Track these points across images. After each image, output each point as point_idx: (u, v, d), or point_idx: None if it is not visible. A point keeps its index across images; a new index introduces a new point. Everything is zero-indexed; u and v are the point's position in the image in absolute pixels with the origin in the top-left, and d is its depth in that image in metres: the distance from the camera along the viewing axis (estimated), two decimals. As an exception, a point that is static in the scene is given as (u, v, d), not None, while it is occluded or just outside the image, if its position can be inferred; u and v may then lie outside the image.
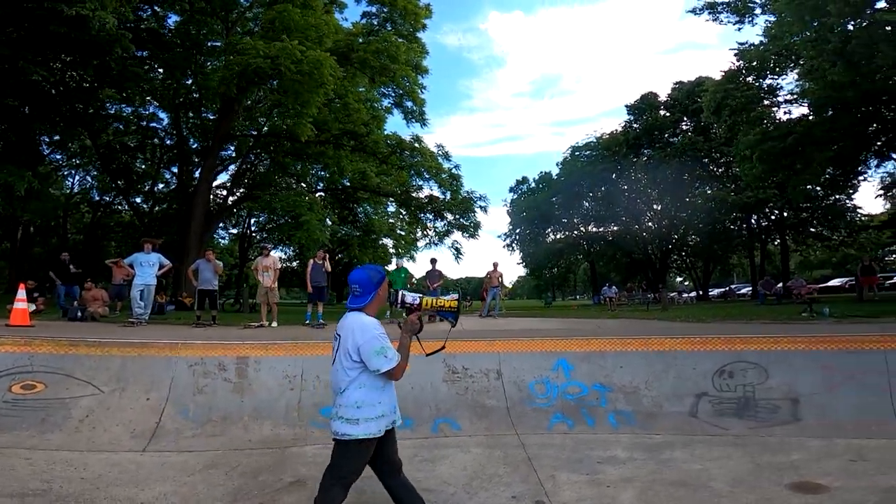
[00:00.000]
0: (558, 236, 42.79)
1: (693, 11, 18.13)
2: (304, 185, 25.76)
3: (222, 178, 26.34)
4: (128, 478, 3.85)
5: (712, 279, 41.27)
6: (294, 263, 32.09)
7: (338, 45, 17.58)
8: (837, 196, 25.48)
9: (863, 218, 26.73)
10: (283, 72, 14.12)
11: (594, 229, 40.56)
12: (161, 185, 26.70)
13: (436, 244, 22.56)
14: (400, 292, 2.88)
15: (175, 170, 24.21)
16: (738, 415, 5.07)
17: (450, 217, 20.78)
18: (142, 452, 4.52)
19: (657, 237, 36.66)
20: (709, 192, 31.19)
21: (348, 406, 2.68)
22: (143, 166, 25.91)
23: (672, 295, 27.97)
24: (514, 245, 43.90)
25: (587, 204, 39.83)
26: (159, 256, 9.11)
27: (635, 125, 35.74)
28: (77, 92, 17.42)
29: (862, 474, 3.61)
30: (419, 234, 24.42)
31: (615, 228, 39.40)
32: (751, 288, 29.56)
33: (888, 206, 26.82)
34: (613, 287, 21.71)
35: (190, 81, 20.11)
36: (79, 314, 9.62)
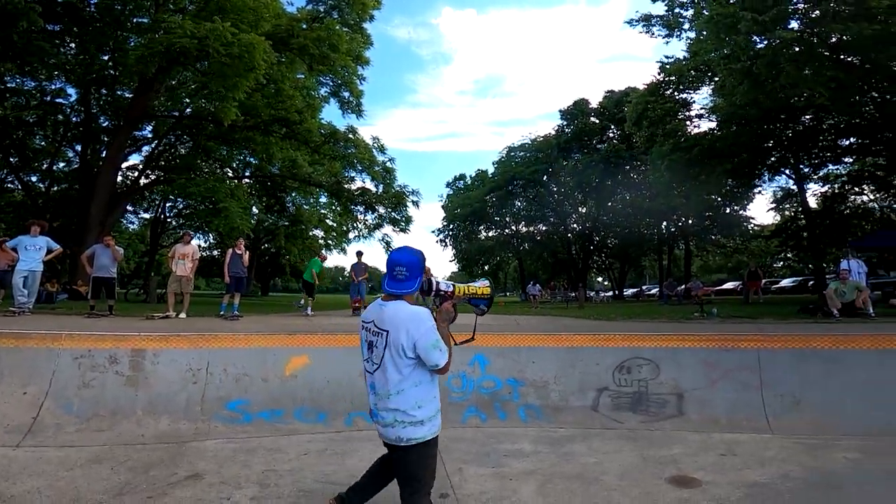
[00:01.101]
0: (490, 234, 43.85)
1: (630, 23, 18.93)
2: (228, 171, 24.24)
3: (136, 159, 24.20)
4: (4, 472, 3.54)
5: (628, 280, 44.40)
6: (215, 252, 30.17)
7: (277, 30, 16.71)
8: (735, 206, 28.42)
9: (755, 228, 30.08)
10: (210, 53, 13.18)
11: (524, 228, 42.03)
12: (62, 164, 23.88)
13: (365, 237, 22.24)
14: (433, 279, 2.62)
15: (79, 148, 21.74)
16: (632, 409, 5.44)
17: (381, 210, 20.57)
18: (15, 448, 4.15)
19: (581, 238, 38.74)
20: (627, 197, 33.38)
21: (409, 408, 2.40)
22: (43, 143, 23.02)
23: (591, 294, 29.78)
24: (446, 241, 44.38)
25: (519, 203, 41.15)
26: (47, 240, 8.14)
27: (567, 130, 37.30)
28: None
29: (730, 469, 3.93)
30: (350, 226, 23.95)
31: (543, 228, 41.10)
32: (658, 289, 32.19)
33: (778, 217, 30.25)
34: (537, 285, 22.72)
35: (107, 57, 18.18)
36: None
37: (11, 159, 21.13)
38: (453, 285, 2.62)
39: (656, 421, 5.29)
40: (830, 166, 24.00)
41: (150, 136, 21.97)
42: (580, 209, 38.58)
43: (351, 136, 21.22)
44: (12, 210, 25.60)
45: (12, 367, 4.92)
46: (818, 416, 5.04)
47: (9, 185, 24.53)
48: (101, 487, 3.37)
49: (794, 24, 12.61)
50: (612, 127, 34.47)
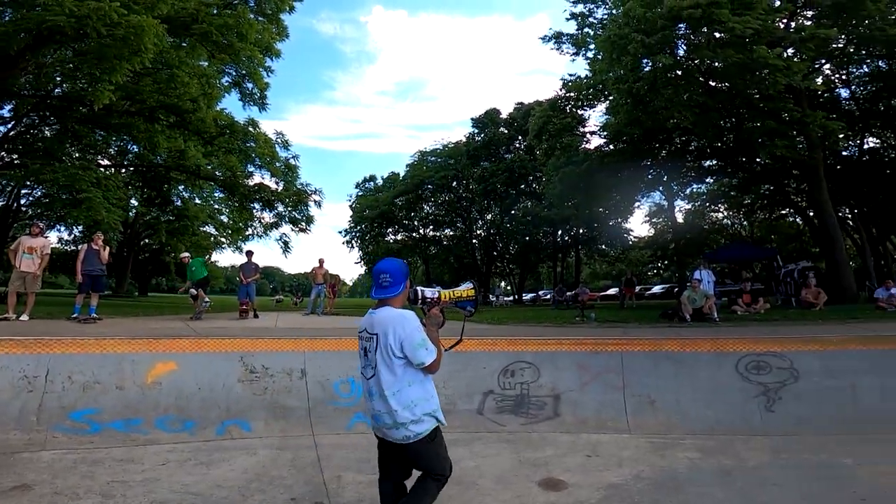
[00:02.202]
0: (399, 237, 43.80)
1: (543, 39, 19.98)
2: (101, 159, 21.29)
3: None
4: None
5: (529, 285, 47.06)
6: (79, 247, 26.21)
7: (181, 13, 15.01)
8: (618, 219, 31.54)
9: (634, 239, 33.67)
10: (89, 34, 11.49)
11: (432, 233, 42.63)
12: None
13: (261, 236, 20.91)
14: (418, 289, 2.76)
15: None
16: (514, 412, 5.63)
17: (280, 208, 19.47)
18: None
19: (485, 244, 40.27)
20: (529, 205, 35.40)
21: (405, 408, 2.52)
22: None
23: (492, 298, 31.07)
24: (353, 242, 43.45)
25: (428, 208, 41.66)
26: None
27: (478, 138, 38.55)
28: None
29: (593, 470, 4.16)
30: (245, 223, 22.36)
31: (450, 233, 42.04)
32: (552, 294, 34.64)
33: (652, 231, 34.11)
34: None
35: None
36: None
37: None
38: (438, 292, 2.81)
39: (535, 423, 5.52)
40: (695, 185, 27.74)
41: (8, 115, 18.60)
42: (486, 216, 40.08)
43: (251, 129, 19.84)
44: None
45: None
46: (669, 416, 5.44)
47: None
48: None
49: (681, 50, 13.90)
50: (520, 138, 36.35)
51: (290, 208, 19.43)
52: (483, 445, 4.86)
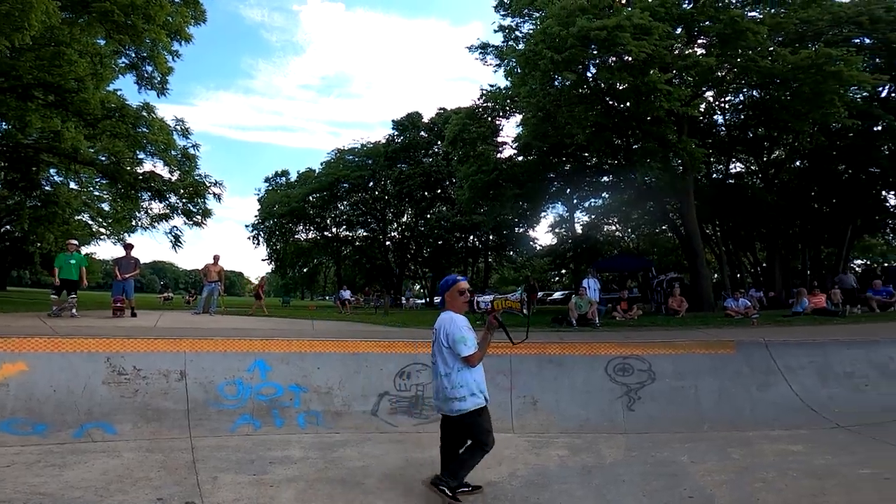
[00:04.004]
0: (309, 235, 42.28)
1: (470, 48, 20.30)
2: None
3: None
4: None
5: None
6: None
7: None
8: (526, 227, 33.36)
9: (540, 247, 35.85)
10: None
11: (345, 232, 41.73)
12: None
13: (146, 228, 18.94)
14: (477, 298, 3.56)
15: None
16: (408, 412, 5.73)
17: (174, 199, 17.78)
18: None
19: (399, 246, 40.29)
20: (444, 210, 36.11)
21: (453, 388, 3.42)
22: None
23: (402, 301, 31.19)
24: (259, 238, 41.10)
25: (342, 207, 40.74)
26: None
27: (397, 140, 38.47)
28: None
29: (475, 468, 4.12)
30: (130, 213, 20.08)
31: (364, 234, 41.47)
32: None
33: (555, 240, 36.51)
34: (348, 290, 22.78)
35: None
36: None
37: None
38: (491, 302, 3.51)
39: (428, 423, 5.59)
40: (592, 199, 30.26)
41: None
42: (401, 218, 40.13)
43: (145, 114, 17.94)
44: None
45: None
46: (549, 416, 5.75)
47: None
48: None
49: (590, 71, 14.71)
50: (439, 143, 36.98)
51: (184, 200, 17.82)
52: (373, 446, 4.90)
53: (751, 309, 11.87)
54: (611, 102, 15.33)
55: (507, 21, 18.57)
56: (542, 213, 31.08)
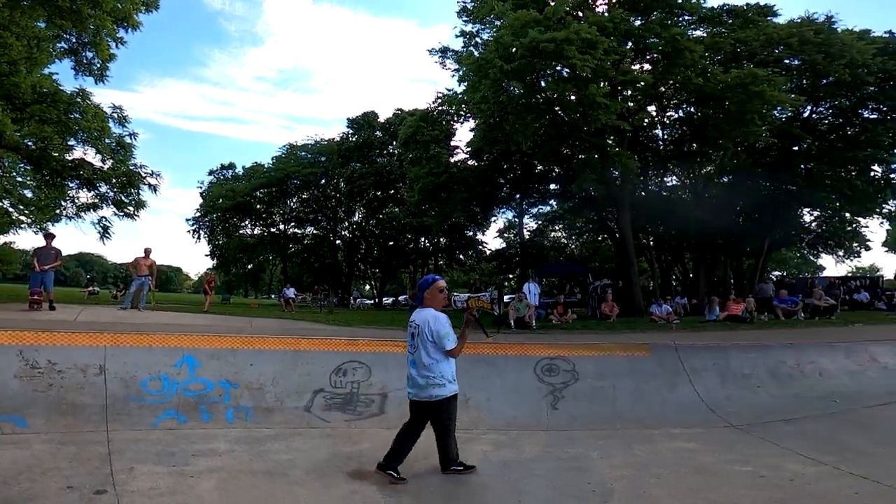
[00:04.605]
0: (255, 231, 40.86)
1: (430, 51, 20.32)
2: None
3: None
4: None
5: (392, 290, 47.63)
6: None
7: None
8: (476, 229, 33.95)
9: (489, 251, 36.56)
10: None
11: (294, 230, 40.68)
12: None
13: (71, 217, 17.68)
14: (454, 297, 3.76)
15: None
16: (342, 409, 5.81)
17: (104, 189, 16.71)
18: None
19: (349, 246, 39.78)
20: (397, 210, 36.05)
21: (436, 376, 3.97)
22: None
23: (351, 300, 30.88)
24: (200, 233, 39.25)
25: (291, 204, 39.70)
26: None
27: (352, 139, 37.97)
28: None
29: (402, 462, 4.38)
30: (53, 201, 18.63)
31: (313, 232, 40.58)
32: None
33: (503, 244, 37.33)
34: (292, 289, 22.32)
35: None
36: None
37: None
38: (466, 301, 4.60)
39: (360, 419, 5.74)
40: (540, 206, 31.35)
41: None
42: (352, 217, 39.66)
43: (79, 100, 16.74)
44: None
45: None
46: (479, 413, 5.93)
47: None
48: None
49: (543, 82, 15.00)
50: (394, 143, 36.87)
51: (115, 190, 16.78)
52: (303, 440, 4.97)
53: (672, 315, 12.83)
54: (559, 112, 15.94)
55: (469, 27, 18.88)
56: (493, 218, 31.89)
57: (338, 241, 40.20)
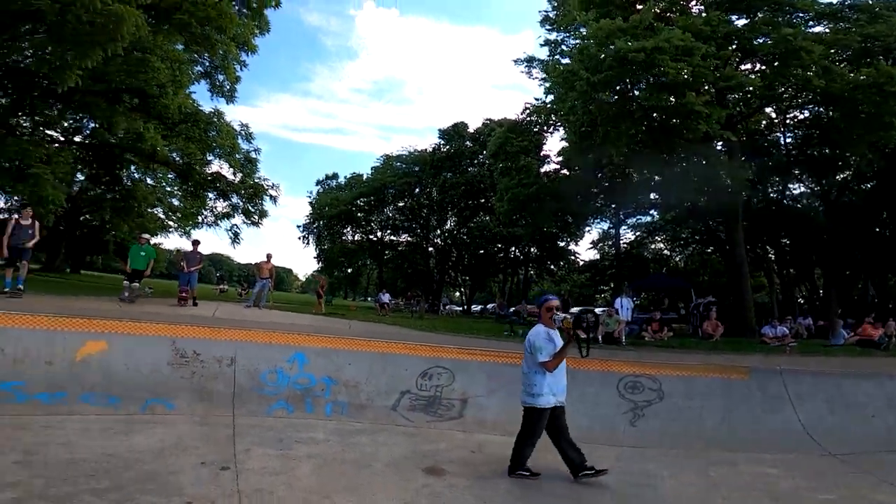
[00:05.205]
0: (356, 237, 43.86)
1: (516, 61, 20.67)
2: (53, 133, 20.41)
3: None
4: None
5: (482, 297, 48.19)
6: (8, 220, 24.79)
7: (162, 1, 14.83)
8: (568, 239, 33.14)
9: (582, 262, 35.43)
10: (69, 21, 11.29)
11: (390, 237, 43.00)
12: None
13: (210, 225, 20.75)
14: (555, 317, 4.40)
15: None
16: (425, 410, 6.25)
17: (235, 199, 19.48)
18: None
19: (440, 253, 41.05)
20: (488, 219, 36.51)
21: (528, 385, 4.40)
22: None
23: (441, 307, 31.83)
24: (308, 238, 43.13)
25: (388, 212, 42.04)
26: None
27: (443, 149, 39.38)
28: None
29: (471, 464, 4.77)
30: (197, 210, 22.08)
31: (408, 239, 42.55)
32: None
33: (598, 255, 35.93)
34: (388, 294, 23.64)
35: None
36: None
37: None
38: (562, 321, 4.37)
39: (440, 421, 6.13)
40: (639, 217, 29.74)
41: None
42: (444, 225, 40.91)
43: (216, 119, 19.75)
44: None
45: None
46: None
47: None
48: None
49: (635, 91, 14.35)
50: (483, 153, 37.52)
51: (244, 200, 19.46)
52: (387, 436, 5.45)
53: (787, 337, 11.50)
54: (657, 120, 15.16)
55: (553, 35, 18.73)
56: (587, 228, 30.87)
57: (430, 249, 41.67)
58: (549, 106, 20.10)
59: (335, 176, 48.09)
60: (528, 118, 22.87)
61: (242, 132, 20.38)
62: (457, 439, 5.66)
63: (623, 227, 30.94)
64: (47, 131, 20.40)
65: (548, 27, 18.95)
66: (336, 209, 40.17)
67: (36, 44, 15.57)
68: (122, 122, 18.46)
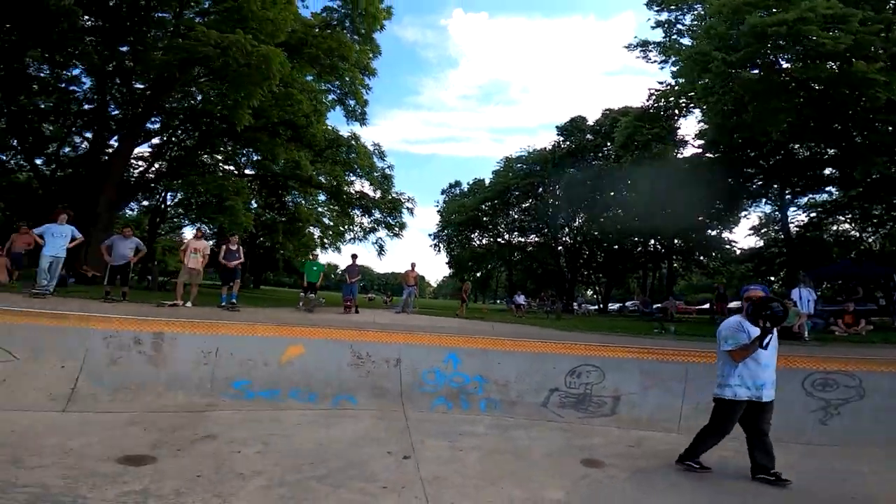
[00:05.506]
0: (483, 241, 44.83)
1: (629, 47, 19.71)
2: (230, 167, 25.00)
3: (141, 149, 24.64)
4: (55, 431, 4.36)
5: (618, 295, 45.51)
6: (211, 242, 30.88)
7: (292, 38, 17.53)
8: (720, 228, 29.52)
9: (740, 251, 31.18)
10: (230, 63, 13.99)
11: (517, 239, 43.07)
12: (67, 150, 24.41)
13: (360, 239, 23.22)
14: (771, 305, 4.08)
15: (89, 136, 22.33)
16: (575, 407, 6.36)
17: (377, 215, 21.58)
18: (62, 412, 4.97)
19: (570, 252, 39.79)
20: (621, 213, 34.44)
21: (718, 376, 4.33)
22: (51, 128, 23.52)
23: (574, 307, 30.82)
24: (439, 245, 45.31)
25: (513, 214, 42.19)
26: (73, 229, 8.93)
27: (563, 145, 38.33)
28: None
29: (629, 457, 4.83)
30: (347, 227, 24.92)
31: (535, 240, 42.12)
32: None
33: (761, 242, 31.34)
34: (522, 295, 23.65)
35: (126, 49, 18.64)
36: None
37: (26, 143, 21.62)
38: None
39: (592, 417, 6.22)
40: (811, 195, 25.24)
41: (157, 128, 22.62)
42: (572, 223, 39.65)
43: (353, 142, 22.19)
44: (15, 192, 26.08)
45: (50, 344, 5.65)
46: None
47: (11, 166, 24.93)
48: (139, 442, 4.26)
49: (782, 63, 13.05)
50: (608, 144, 35.55)
51: (385, 214, 21.46)
52: (540, 431, 5.69)
53: None
54: (816, 90, 12.95)
55: (664, 16, 17.36)
56: (743, 213, 27.27)
57: (559, 248, 40.70)
58: (678, 89, 18.47)
59: (457, 184, 49.86)
60: (656, 104, 21.14)
61: (375, 151, 22.55)
62: (612, 435, 5.69)
63: (791, 209, 26.53)
64: (224, 166, 24.86)
65: (655, 8, 17.73)
66: (463, 216, 41.61)
67: (204, 87, 19.20)
68: (282, 152, 21.65)
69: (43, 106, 21.42)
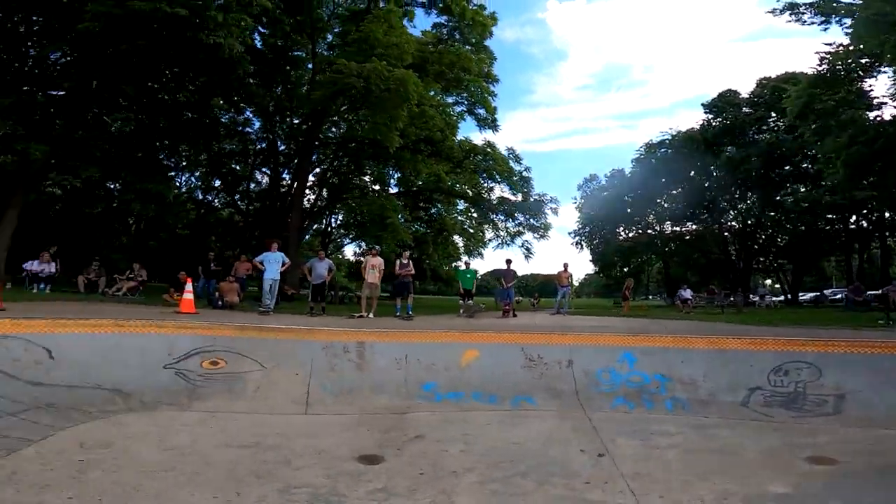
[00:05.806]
0: (629, 235, 41.86)
1: (773, 12, 17.01)
2: (379, 186, 27.45)
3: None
4: (305, 432, 5.17)
5: (808, 283, 38.40)
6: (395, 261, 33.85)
7: (415, 58, 18.83)
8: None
9: None
10: (372, 90, 15.51)
11: (670, 228, 39.29)
12: (252, 185, 29.31)
13: (507, 244, 23.61)
14: None
15: (267, 171, 26.57)
16: (786, 406, 5.72)
17: (520, 218, 21.72)
18: (304, 415, 5.85)
19: (741, 237, 34.83)
20: (802, 190, 29.29)
21: None
22: (238, 167, 28.43)
23: (755, 299, 26.74)
24: (582, 243, 43.57)
25: (663, 203, 38.65)
26: (282, 255, 10.91)
27: (714, 123, 34.30)
28: (193, 105, 19.72)
29: (866, 454, 4.27)
30: (489, 233, 25.60)
31: (694, 227, 37.91)
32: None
33: None
34: (689, 290, 21.12)
35: (279, 90, 21.33)
36: (219, 303, 11.77)
37: (227, 184, 26.85)
38: None
39: (810, 417, 5.55)
40: None
41: (315, 158, 25.41)
42: (739, 205, 34.77)
43: (489, 149, 22.80)
44: (221, 226, 32.64)
45: (286, 355, 6.65)
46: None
47: (215, 204, 31.09)
48: (367, 443, 4.84)
49: None
50: (774, 115, 30.53)
51: (528, 217, 21.53)
52: (745, 429, 5.24)
53: None
54: None
55: None
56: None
57: (725, 234, 35.91)
58: (853, 50, 15.30)
59: (594, 177, 47.34)
60: (833, 67, 17.59)
61: (510, 156, 22.77)
62: (839, 433, 5.05)
63: None
64: (373, 186, 27.29)
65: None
66: (605, 210, 39.40)
67: (343, 116, 21.22)
68: (424, 167, 23.01)
69: (228, 149, 26.08)
